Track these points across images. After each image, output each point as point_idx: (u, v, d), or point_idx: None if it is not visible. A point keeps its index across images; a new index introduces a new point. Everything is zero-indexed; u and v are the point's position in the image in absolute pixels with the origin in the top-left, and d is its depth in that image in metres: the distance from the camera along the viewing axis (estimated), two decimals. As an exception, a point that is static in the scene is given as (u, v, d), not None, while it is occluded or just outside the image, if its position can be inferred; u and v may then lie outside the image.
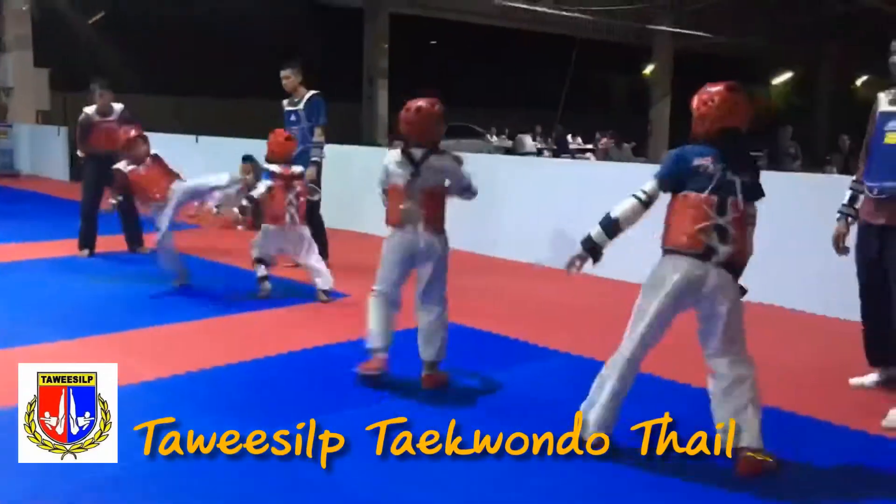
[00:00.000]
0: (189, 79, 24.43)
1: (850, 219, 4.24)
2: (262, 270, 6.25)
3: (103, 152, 7.81)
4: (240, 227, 9.96)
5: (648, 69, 29.56)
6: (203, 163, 10.30)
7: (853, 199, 4.23)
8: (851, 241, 4.26)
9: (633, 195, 3.42)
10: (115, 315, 5.65)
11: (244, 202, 6.46)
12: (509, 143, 25.05)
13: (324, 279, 6.21)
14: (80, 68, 15.16)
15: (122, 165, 6.60)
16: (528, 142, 24.03)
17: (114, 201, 7.03)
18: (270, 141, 6.36)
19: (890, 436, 3.73)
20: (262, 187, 6.24)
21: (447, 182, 4.28)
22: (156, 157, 6.59)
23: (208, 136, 12.66)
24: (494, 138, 25.53)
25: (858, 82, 31.11)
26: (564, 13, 23.79)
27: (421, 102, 4.22)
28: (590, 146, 23.39)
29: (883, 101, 4.07)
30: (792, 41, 27.90)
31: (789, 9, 23.86)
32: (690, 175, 3.33)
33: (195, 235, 9.13)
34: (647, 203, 3.42)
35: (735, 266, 3.33)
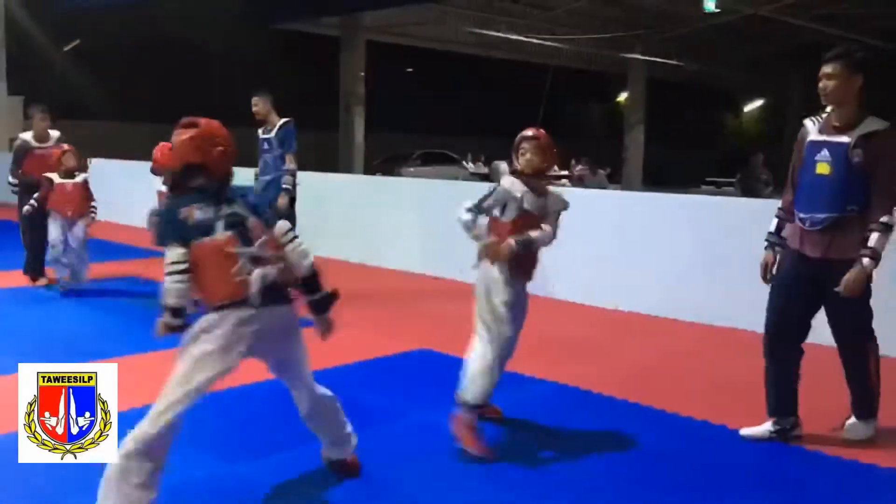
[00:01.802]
0: (166, 107, 24.31)
1: (776, 248, 4.05)
2: None
3: (37, 181, 7.73)
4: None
5: (623, 97, 29.91)
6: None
7: (780, 228, 4.06)
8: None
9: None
10: (79, 344, 5.59)
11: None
12: (486, 170, 25.19)
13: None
14: (55, 97, 15.06)
15: (53, 175, 7.33)
16: (504, 168, 24.16)
17: (29, 208, 7.52)
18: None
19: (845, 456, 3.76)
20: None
21: None
22: (85, 182, 7.39)
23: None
24: (471, 165, 25.67)
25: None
26: (539, 41, 24.05)
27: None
28: (565, 172, 23.58)
29: (812, 130, 3.93)
30: (762, 69, 28.38)
31: (759, 38, 24.28)
32: (187, 229, 3.06)
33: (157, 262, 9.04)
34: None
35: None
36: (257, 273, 3.01)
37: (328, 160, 21.32)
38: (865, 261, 3.67)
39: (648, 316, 6.62)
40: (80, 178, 7.42)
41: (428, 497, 3.32)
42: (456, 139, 27.91)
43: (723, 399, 4.61)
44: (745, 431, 4.03)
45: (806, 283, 3.87)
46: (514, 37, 23.62)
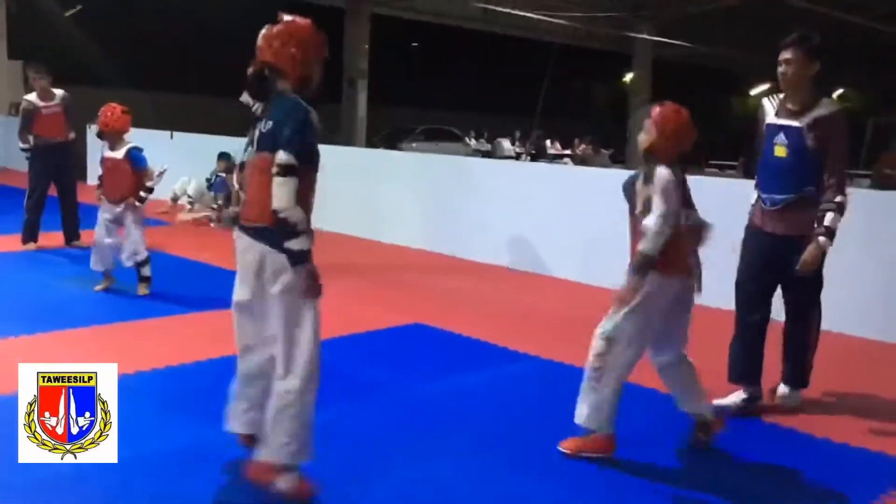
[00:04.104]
0: (167, 75, 24.23)
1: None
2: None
3: (50, 140, 7.70)
4: (212, 225, 9.88)
5: (628, 77, 29.71)
6: (177, 159, 10.19)
7: None
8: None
9: None
10: (78, 311, 5.58)
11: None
12: (488, 147, 25.11)
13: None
14: (56, 61, 14.98)
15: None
16: (507, 146, 24.08)
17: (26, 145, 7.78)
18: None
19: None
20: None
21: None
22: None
23: (185, 132, 12.54)
24: (473, 142, 25.57)
25: (835, 95, 31.51)
26: (544, 18, 23.85)
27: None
28: (568, 152, 23.49)
29: (769, 112, 4.10)
30: (770, 53, 28.21)
31: (769, 21, 24.10)
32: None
33: (166, 232, 9.04)
34: None
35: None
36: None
37: (330, 133, 21.23)
38: (821, 239, 3.88)
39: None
40: None
41: (418, 468, 3.32)
42: (459, 115, 27.75)
43: (709, 381, 4.57)
44: (716, 402, 4.06)
45: (767, 258, 4.10)
46: (520, 12, 23.41)
